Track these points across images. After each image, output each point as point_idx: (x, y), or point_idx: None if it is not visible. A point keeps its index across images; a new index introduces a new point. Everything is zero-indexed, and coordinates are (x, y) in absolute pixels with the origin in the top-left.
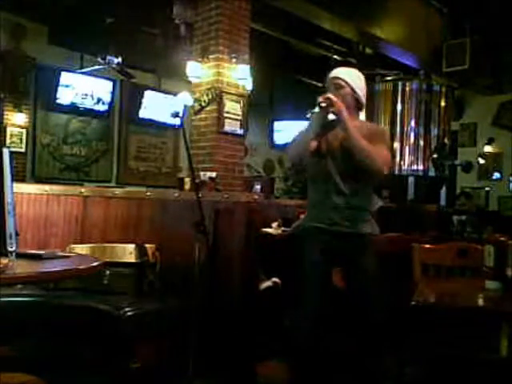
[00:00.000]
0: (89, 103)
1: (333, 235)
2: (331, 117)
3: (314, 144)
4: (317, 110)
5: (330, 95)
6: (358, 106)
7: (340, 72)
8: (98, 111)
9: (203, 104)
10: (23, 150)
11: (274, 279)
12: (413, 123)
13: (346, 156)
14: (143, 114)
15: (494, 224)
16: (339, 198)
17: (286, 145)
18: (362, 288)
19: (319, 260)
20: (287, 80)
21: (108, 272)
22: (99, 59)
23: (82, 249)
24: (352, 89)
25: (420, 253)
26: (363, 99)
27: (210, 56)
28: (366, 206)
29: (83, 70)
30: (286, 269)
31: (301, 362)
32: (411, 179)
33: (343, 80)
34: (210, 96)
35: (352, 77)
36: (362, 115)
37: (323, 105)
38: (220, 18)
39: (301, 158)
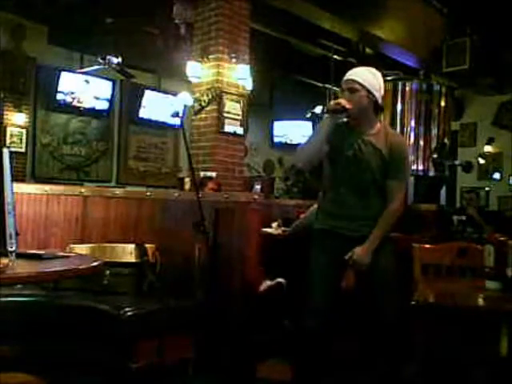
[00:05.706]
0: (89, 103)
1: (348, 237)
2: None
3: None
4: (326, 116)
5: (341, 100)
6: (375, 107)
7: (354, 74)
8: (98, 111)
9: (203, 104)
10: (23, 150)
11: (279, 279)
12: (413, 123)
13: (358, 165)
14: (143, 113)
15: (495, 224)
16: (355, 202)
17: (285, 145)
18: (380, 288)
19: (329, 261)
20: (287, 80)
21: (108, 272)
22: (99, 59)
23: (81, 249)
24: (368, 91)
25: (420, 253)
26: (380, 100)
27: (210, 56)
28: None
29: (83, 70)
30: (287, 269)
31: (306, 363)
32: (411, 179)
33: (357, 82)
34: (210, 96)
35: (367, 78)
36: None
37: (336, 107)
38: (220, 18)
39: (310, 161)
